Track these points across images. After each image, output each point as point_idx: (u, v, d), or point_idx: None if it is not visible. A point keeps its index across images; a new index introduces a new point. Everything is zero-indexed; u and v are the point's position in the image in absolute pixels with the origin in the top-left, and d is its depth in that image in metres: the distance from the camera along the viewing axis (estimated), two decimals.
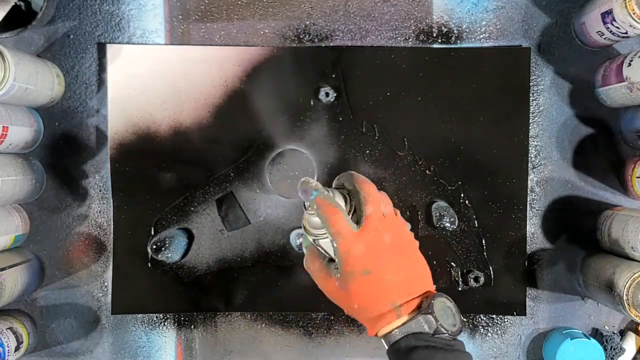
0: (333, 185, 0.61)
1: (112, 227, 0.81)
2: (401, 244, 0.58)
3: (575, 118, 0.82)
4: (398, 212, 0.61)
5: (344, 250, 0.56)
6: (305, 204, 0.58)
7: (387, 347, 0.56)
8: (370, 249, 0.56)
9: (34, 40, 0.80)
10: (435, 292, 0.58)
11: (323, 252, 0.60)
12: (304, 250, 0.62)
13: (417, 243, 0.60)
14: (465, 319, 0.83)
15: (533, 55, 0.82)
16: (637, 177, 0.77)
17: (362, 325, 0.58)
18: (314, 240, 0.59)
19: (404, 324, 0.55)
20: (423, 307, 0.56)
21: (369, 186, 0.58)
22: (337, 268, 0.57)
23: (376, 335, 0.57)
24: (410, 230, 0.61)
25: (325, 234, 0.58)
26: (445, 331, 0.55)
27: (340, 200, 0.58)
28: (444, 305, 0.56)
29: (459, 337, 0.57)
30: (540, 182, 0.83)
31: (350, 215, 0.58)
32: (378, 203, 0.58)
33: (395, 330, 0.55)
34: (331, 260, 0.59)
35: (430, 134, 0.82)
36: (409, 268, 0.58)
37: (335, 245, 0.56)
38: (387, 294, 0.56)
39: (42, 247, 0.81)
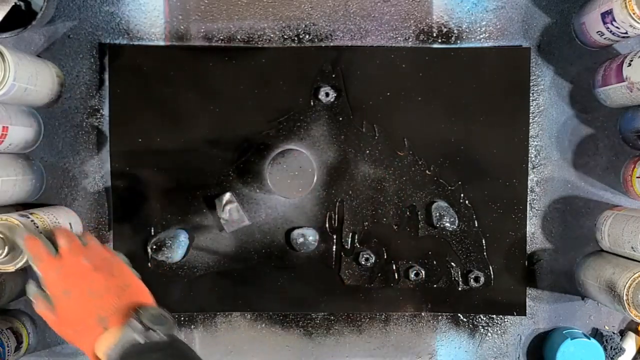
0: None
1: (112, 227, 0.81)
2: (103, 263, 0.61)
3: (575, 118, 0.82)
4: (94, 238, 0.65)
5: (43, 274, 0.60)
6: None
7: None
8: (68, 270, 0.60)
9: (34, 40, 0.80)
10: (149, 303, 0.60)
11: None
12: (30, 297, 0.62)
13: (122, 262, 0.64)
14: (465, 319, 0.83)
15: (533, 55, 0.82)
16: (637, 177, 0.77)
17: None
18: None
19: (116, 339, 0.56)
20: (130, 317, 0.57)
21: (57, 230, 0.64)
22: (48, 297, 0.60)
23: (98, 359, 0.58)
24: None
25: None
26: (156, 333, 0.56)
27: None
28: (151, 312, 0.58)
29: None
30: (540, 182, 0.83)
31: None
32: (69, 233, 0.63)
33: (112, 347, 0.56)
34: None
35: (430, 134, 0.82)
36: (111, 283, 0.60)
37: (35, 270, 0.60)
38: (90, 309, 0.58)
39: None
